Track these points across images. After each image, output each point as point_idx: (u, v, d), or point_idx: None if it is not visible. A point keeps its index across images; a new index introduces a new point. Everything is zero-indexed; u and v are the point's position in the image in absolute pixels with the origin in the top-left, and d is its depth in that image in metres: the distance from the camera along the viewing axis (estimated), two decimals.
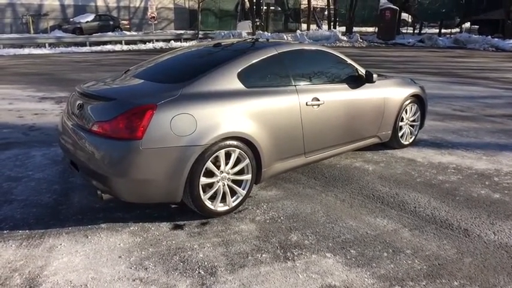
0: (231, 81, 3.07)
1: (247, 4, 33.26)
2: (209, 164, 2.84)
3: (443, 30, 26.79)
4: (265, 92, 3.20)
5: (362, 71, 4.04)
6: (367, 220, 3.01)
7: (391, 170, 4.01)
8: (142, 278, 2.31)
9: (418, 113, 4.74)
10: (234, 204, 3.06)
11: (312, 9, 25.92)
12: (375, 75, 3.92)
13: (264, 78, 3.30)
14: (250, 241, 2.71)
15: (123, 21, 26.43)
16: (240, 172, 3.05)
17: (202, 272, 2.37)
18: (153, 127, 2.61)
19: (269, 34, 23.06)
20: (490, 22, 23.78)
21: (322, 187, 3.60)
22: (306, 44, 3.94)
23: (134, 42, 20.26)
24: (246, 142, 3.00)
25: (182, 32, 23.53)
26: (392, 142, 4.53)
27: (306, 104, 3.40)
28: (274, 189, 3.54)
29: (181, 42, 21.45)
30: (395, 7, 23.45)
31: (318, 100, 3.48)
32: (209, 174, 2.88)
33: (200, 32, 23.09)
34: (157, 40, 20.92)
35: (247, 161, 3.04)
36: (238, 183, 3.07)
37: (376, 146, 4.50)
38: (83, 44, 19.06)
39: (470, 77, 10.75)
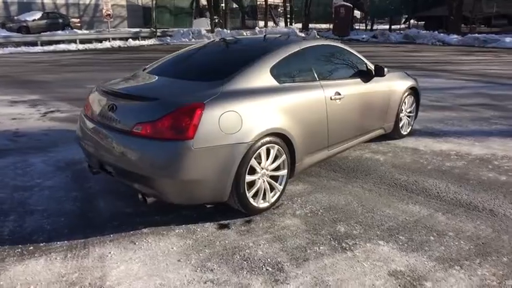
0: (265, 77, 3.07)
1: (202, 1, 32.89)
2: (253, 161, 2.83)
3: (392, 26, 28.18)
4: (296, 88, 3.24)
5: (370, 65, 4.19)
6: (401, 207, 3.15)
7: (401, 160, 4.21)
8: (213, 280, 2.27)
9: (414, 105, 5.00)
10: (273, 200, 3.08)
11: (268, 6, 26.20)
12: (385, 69, 4.09)
13: (292, 73, 3.33)
14: (302, 235, 2.75)
15: (73, 20, 25.09)
16: (277, 168, 3.07)
17: (270, 269, 2.37)
18: (203, 126, 2.56)
19: (228, 31, 22.99)
20: (435, 18, 25.34)
21: (344, 179, 3.70)
22: (321, 40, 3.99)
23: (89, 41, 19.33)
24: (283, 138, 3.03)
25: (139, 30, 22.78)
26: (394, 133, 4.74)
27: (330, 99, 3.48)
28: (301, 184, 3.59)
29: (139, 40, 20.79)
30: (349, 4, 24.29)
31: (339, 94, 3.57)
32: (252, 171, 2.87)
33: (158, 30, 22.52)
34: (113, 39, 20.11)
35: (283, 156, 3.06)
36: (275, 179, 3.09)
37: (378, 137, 4.68)
38: (34, 44, 17.87)
39: (430, 70, 11.41)
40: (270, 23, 26.73)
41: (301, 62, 3.44)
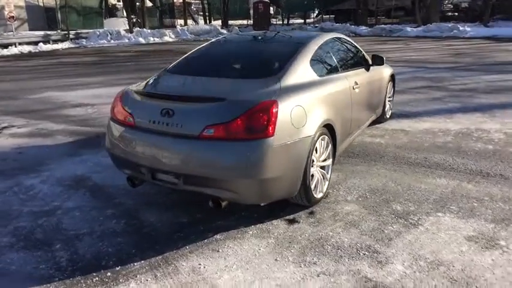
0: (308, 71, 3.13)
1: (111, 0, 31.06)
2: (314, 153, 2.88)
3: (302, 20, 29.69)
4: (331, 79, 3.35)
5: (366, 55, 4.47)
6: (431, 182, 3.46)
7: (399, 141, 4.57)
8: (324, 272, 2.29)
9: (393, 91, 5.44)
10: (325, 189, 3.17)
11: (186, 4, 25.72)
12: (384, 58, 4.40)
13: (323, 66, 3.43)
14: (368, 218, 2.88)
15: None
16: (325, 158, 3.16)
17: (366, 252, 2.47)
18: (279, 123, 2.54)
19: (148, 31, 22.09)
20: (344, 11, 27.32)
21: (365, 163, 3.92)
22: (333, 33, 4.09)
23: None
24: (329, 128, 3.12)
25: (46, 33, 20.70)
26: (381, 117, 5.11)
27: (352, 88, 3.66)
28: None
29: (50, 44, 18.92)
30: (267, 0, 24.98)
31: (357, 84, 3.77)
32: (311, 164, 2.93)
33: (70, 32, 20.74)
34: (20, 43, 18.02)
35: (330, 146, 3.17)
36: (324, 169, 3.18)
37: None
38: None
39: None
40: (190, 21, 26.29)
41: (326, 54, 3.56)
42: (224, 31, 24.05)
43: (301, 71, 3.05)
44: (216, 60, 3.46)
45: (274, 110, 2.53)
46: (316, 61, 3.31)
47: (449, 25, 21.79)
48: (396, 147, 4.37)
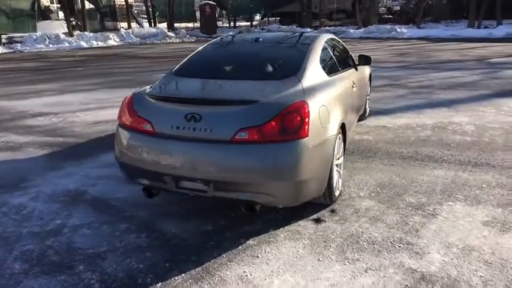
0: (320, 71, 3.16)
1: (44, 2, 29.16)
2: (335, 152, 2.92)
3: (248, 23, 29.96)
4: (338, 79, 3.42)
5: (352, 55, 4.62)
6: (430, 173, 3.65)
7: (386, 136, 4.78)
8: (370, 267, 2.33)
9: (369, 89, 5.67)
10: (340, 187, 3.22)
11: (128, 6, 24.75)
12: (371, 58, 4.57)
13: (327, 66, 3.48)
14: (388, 212, 2.98)
15: None
16: (339, 156, 3.21)
17: (401, 245, 2.55)
18: (311, 123, 2.54)
19: (90, 34, 20.97)
20: (289, 14, 27.96)
21: (362, 160, 4.05)
22: (328, 34, 4.15)
23: None
24: (342, 127, 3.18)
25: None
26: (362, 115, 5.31)
27: (352, 87, 3.76)
28: None
29: None
30: (213, 2, 24.84)
31: (354, 83, 3.89)
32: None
33: (2, 36, 19.09)
34: None
35: (342, 144, 3.23)
36: (338, 166, 3.23)
37: None
38: None
39: None
40: (134, 24, 25.34)
41: (328, 54, 3.61)
42: (171, 34, 23.52)
43: (315, 71, 3.08)
44: (228, 62, 3.37)
45: (306, 111, 2.53)
46: (323, 61, 3.36)
47: (388, 27, 23.20)
48: (385, 142, 4.56)
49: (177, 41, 22.83)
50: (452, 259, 2.39)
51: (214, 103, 2.62)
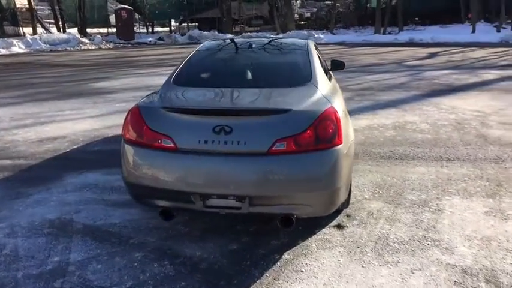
0: (325, 77, 3.16)
1: None
2: None
3: (165, 29, 29.19)
4: (334, 85, 3.44)
5: None
6: (415, 171, 3.87)
7: (357, 138, 4.92)
8: (414, 268, 2.38)
9: None
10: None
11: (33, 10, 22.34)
12: (344, 63, 4.71)
13: (324, 72, 3.48)
14: (398, 211, 3.08)
15: None
16: None
17: (428, 242, 2.65)
18: (342, 130, 2.51)
19: None
20: (208, 20, 27.84)
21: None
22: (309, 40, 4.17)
23: None
24: None
25: None
26: None
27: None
28: None
29: None
30: (129, 7, 23.67)
31: (338, 86, 3.97)
32: None
33: None
34: None
35: None
36: None
37: None
38: None
39: None
40: (39, 30, 22.92)
41: (320, 60, 3.63)
42: (85, 40, 21.86)
43: (323, 77, 3.08)
44: (233, 69, 3.20)
45: (338, 117, 2.51)
46: (322, 67, 3.37)
47: (305, 32, 24.36)
48: (359, 144, 4.73)
49: (93, 47, 21.29)
50: (479, 251, 2.55)
51: (245, 114, 2.46)
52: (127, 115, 2.67)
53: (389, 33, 24.55)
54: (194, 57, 3.41)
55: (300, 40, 3.83)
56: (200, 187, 2.39)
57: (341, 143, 2.47)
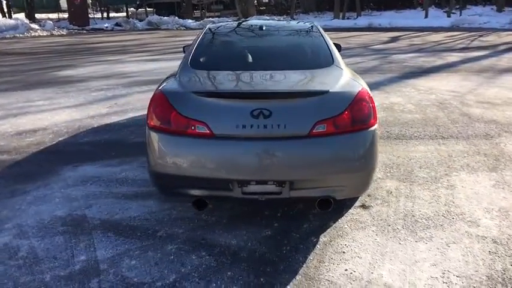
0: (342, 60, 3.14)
1: None
2: None
3: (120, 14, 27.92)
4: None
5: None
6: (416, 150, 4.00)
7: None
8: (447, 241, 2.46)
9: None
10: None
11: None
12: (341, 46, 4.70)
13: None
14: (415, 188, 3.18)
15: None
16: None
17: (453, 216, 2.75)
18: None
19: None
20: (166, 5, 26.92)
21: None
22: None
23: None
24: None
25: None
26: None
27: None
28: None
29: None
30: None
31: None
32: None
33: None
34: None
35: None
36: None
37: None
38: None
39: None
40: None
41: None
42: (35, 26, 20.40)
43: (341, 59, 3.06)
44: (254, 52, 3.07)
45: (371, 97, 2.51)
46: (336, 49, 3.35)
47: (267, 17, 24.27)
48: None
49: (45, 34, 19.93)
50: (501, 221, 2.69)
51: (284, 96, 2.39)
52: (151, 101, 2.51)
53: (348, 19, 25.05)
54: (206, 40, 3.26)
55: (307, 23, 3.78)
56: (239, 173, 2.32)
57: (376, 123, 2.48)
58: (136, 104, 6.00)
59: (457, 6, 24.27)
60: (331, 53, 3.00)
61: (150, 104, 2.51)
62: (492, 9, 25.00)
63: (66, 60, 11.09)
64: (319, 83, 2.60)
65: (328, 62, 2.89)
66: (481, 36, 15.19)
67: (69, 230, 2.67)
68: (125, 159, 3.88)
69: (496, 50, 11.37)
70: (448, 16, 22.99)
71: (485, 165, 3.62)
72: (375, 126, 2.48)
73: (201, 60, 2.97)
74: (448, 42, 13.63)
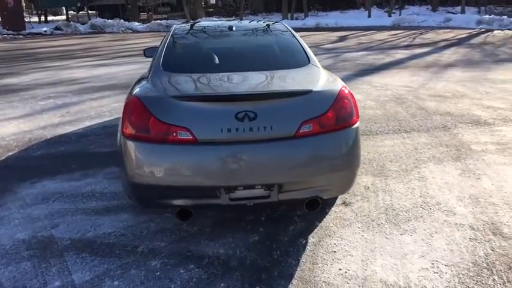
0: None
1: None
2: None
3: (59, 17, 26.42)
4: None
5: None
6: (384, 144, 4.11)
7: None
8: (431, 232, 2.53)
9: None
10: None
11: None
12: None
13: None
14: (390, 182, 3.25)
15: None
16: None
17: (430, 207, 2.84)
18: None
19: None
20: (110, 7, 25.82)
21: None
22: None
23: None
24: None
25: None
26: None
27: None
28: None
29: None
30: None
31: None
32: None
33: None
34: None
35: None
36: None
37: None
38: None
39: None
40: None
41: None
42: None
43: (315, 57, 3.05)
44: (226, 53, 2.97)
45: (352, 95, 2.52)
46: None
47: (216, 19, 24.11)
48: None
49: None
50: (474, 208, 2.81)
51: (269, 97, 2.31)
52: (125, 108, 2.34)
53: (297, 19, 25.51)
54: (175, 42, 3.11)
55: (274, 22, 3.75)
56: (225, 179, 2.22)
57: (358, 120, 2.49)
58: (91, 112, 5.65)
59: (397, 6, 25.59)
60: (305, 52, 2.98)
61: (124, 110, 2.34)
62: (427, 8, 26.65)
63: (5, 67, 10.25)
64: (301, 83, 2.57)
65: (304, 61, 2.87)
66: (421, 34, 16.10)
67: (36, 253, 2.42)
68: (87, 172, 3.61)
69: (436, 47, 12.09)
70: (389, 16, 24.15)
71: (449, 155, 3.79)
72: (358, 124, 2.49)
73: (174, 62, 2.83)
74: (393, 40, 14.29)
